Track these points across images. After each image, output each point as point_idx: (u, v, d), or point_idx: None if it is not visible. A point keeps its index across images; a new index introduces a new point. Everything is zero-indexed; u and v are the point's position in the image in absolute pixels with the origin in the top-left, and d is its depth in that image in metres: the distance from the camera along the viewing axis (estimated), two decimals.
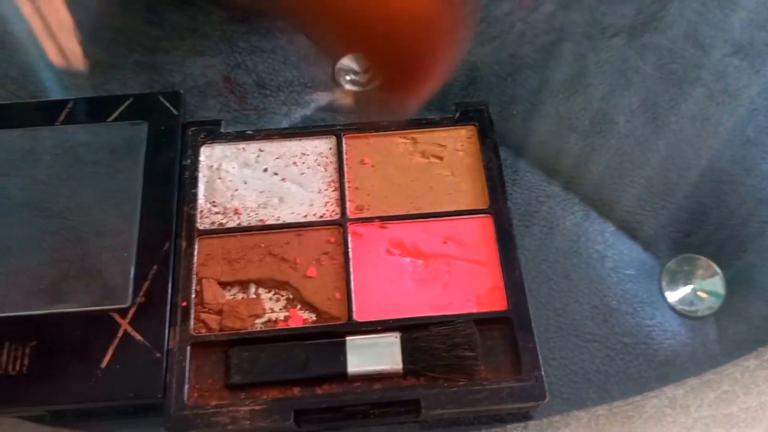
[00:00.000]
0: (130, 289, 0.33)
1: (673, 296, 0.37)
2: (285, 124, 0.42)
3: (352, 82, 0.43)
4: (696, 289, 0.38)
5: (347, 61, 0.44)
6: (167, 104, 0.38)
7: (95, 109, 0.38)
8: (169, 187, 0.36)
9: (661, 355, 0.36)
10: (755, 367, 0.34)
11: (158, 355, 0.31)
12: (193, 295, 0.34)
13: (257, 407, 0.31)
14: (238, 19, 0.46)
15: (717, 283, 0.38)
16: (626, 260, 0.38)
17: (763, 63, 0.44)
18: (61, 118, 0.37)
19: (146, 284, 0.33)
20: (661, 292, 0.38)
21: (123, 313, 0.32)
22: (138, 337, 0.31)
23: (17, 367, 0.31)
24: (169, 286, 0.33)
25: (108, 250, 0.34)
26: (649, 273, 0.38)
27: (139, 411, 0.33)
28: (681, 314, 0.37)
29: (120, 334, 0.32)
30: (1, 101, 0.41)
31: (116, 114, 0.38)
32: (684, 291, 0.38)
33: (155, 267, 0.33)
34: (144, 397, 0.31)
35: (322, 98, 0.43)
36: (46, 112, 0.38)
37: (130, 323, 0.32)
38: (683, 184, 0.40)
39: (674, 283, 0.38)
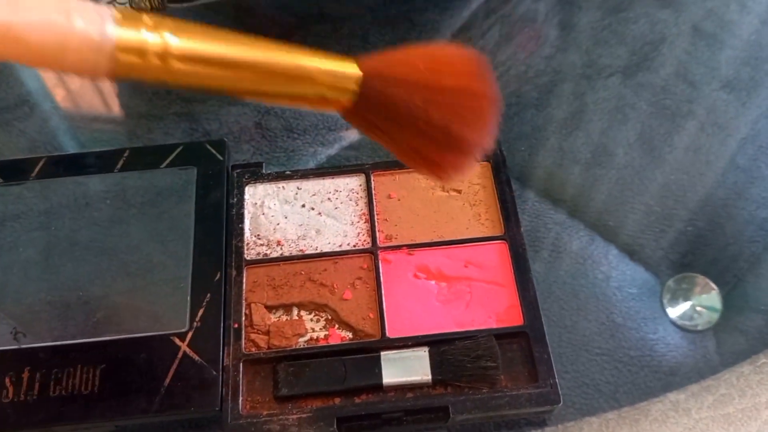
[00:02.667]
0: (187, 315, 0.35)
1: (673, 312, 0.38)
2: (312, 163, 0.43)
3: None
4: (695, 305, 0.39)
5: None
6: (213, 151, 0.40)
7: (149, 157, 0.40)
8: (218, 224, 0.37)
9: (665, 366, 0.37)
10: (749, 372, 0.35)
11: (214, 372, 0.33)
12: (244, 318, 0.35)
13: (304, 416, 0.32)
14: None
15: (714, 299, 0.39)
16: (629, 280, 0.39)
17: (748, 96, 0.45)
18: (119, 165, 0.40)
19: (201, 311, 0.35)
20: (662, 308, 0.39)
21: (182, 336, 0.34)
22: (196, 357, 0.33)
23: (89, 387, 0.33)
24: (222, 311, 0.35)
25: (166, 282, 0.36)
26: (650, 291, 0.39)
27: (195, 425, 0.35)
28: (682, 328, 0.38)
29: (180, 355, 0.33)
30: (61, 153, 0.44)
31: (168, 161, 0.40)
32: (684, 307, 0.39)
33: (208, 295, 0.35)
34: (203, 410, 0.32)
35: (345, 138, 0.45)
36: (107, 160, 0.40)
37: (189, 345, 0.34)
38: (680, 209, 0.41)
39: (674, 300, 0.39)
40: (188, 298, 0.35)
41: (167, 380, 0.33)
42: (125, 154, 0.40)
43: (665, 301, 0.39)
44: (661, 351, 0.37)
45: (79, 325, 0.35)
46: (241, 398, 0.33)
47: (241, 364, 0.34)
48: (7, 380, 0.33)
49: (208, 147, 0.40)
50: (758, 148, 0.44)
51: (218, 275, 0.36)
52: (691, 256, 0.40)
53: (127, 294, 0.36)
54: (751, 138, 0.44)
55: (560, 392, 0.33)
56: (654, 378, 0.37)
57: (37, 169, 0.40)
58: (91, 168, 0.40)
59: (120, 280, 0.37)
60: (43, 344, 0.34)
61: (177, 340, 0.34)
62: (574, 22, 0.50)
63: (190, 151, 0.40)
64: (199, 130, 0.45)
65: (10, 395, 0.33)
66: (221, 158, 0.40)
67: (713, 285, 0.39)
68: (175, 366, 0.33)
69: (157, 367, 0.33)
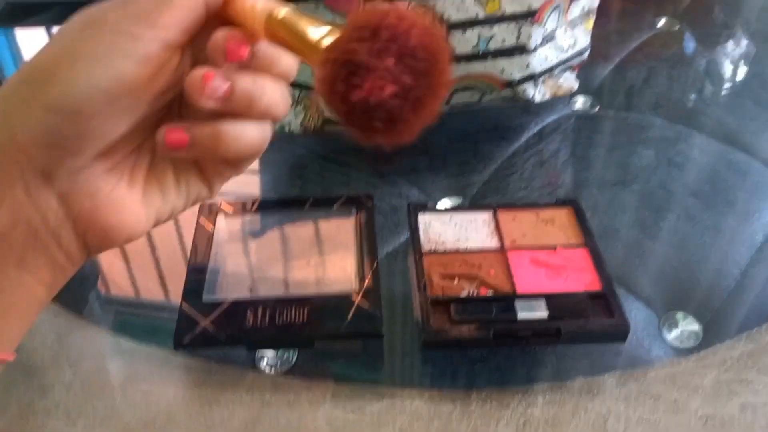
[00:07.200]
0: (358, 281, 0.52)
1: (668, 336, 0.51)
2: None
3: None
4: (684, 332, 0.51)
5: None
6: (366, 200, 0.59)
7: (326, 202, 0.60)
8: (373, 238, 0.56)
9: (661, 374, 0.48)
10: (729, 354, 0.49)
11: (379, 315, 0.49)
12: (427, 281, 0.52)
13: (472, 329, 0.48)
14: None
15: (697, 327, 0.51)
16: (634, 313, 0.53)
17: (715, 202, 0.63)
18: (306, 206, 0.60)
19: (368, 280, 0.52)
20: (660, 333, 0.52)
21: (357, 293, 0.51)
22: (366, 306, 0.50)
23: (300, 319, 0.48)
24: (380, 281, 0.52)
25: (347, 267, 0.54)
26: (649, 320, 0.53)
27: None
28: (673, 347, 0.50)
29: (356, 303, 0.50)
30: None
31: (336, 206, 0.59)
32: (675, 333, 0.51)
33: (371, 272, 0.52)
34: (367, 335, 0.50)
35: None
36: (316, 203, 0.61)
37: (362, 298, 0.50)
38: (669, 264, 0.56)
39: (668, 327, 0.52)
40: (362, 270, 0.53)
41: (348, 319, 0.49)
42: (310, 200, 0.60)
43: (662, 328, 0.52)
44: (657, 365, 0.49)
45: (292, 286, 0.53)
46: (431, 320, 0.49)
47: (428, 303, 0.50)
48: (249, 314, 0.50)
49: (362, 198, 0.60)
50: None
51: (375, 263, 0.54)
52: (678, 294, 0.54)
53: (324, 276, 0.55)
54: (713, 222, 0.60)
55: (629, 327, 0.48)
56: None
57: None
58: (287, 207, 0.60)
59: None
60: (269, 295, 0.52)
61: (354, 295, 0.51)
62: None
63: (351, 199, 0.60)
64: None
65: (251, 323, 0.49)
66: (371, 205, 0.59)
67: (695, 319, 0.52)
68: (352, 311, 0.49)
69: (342, 311, 0.49)
